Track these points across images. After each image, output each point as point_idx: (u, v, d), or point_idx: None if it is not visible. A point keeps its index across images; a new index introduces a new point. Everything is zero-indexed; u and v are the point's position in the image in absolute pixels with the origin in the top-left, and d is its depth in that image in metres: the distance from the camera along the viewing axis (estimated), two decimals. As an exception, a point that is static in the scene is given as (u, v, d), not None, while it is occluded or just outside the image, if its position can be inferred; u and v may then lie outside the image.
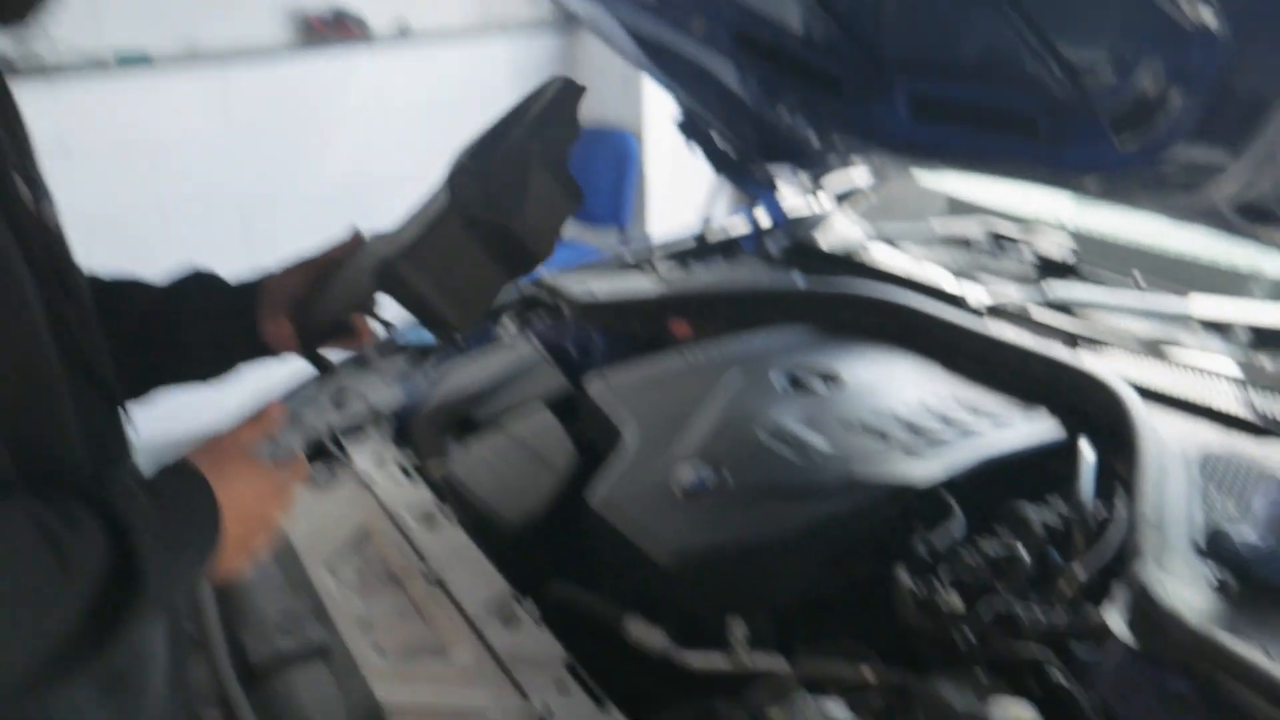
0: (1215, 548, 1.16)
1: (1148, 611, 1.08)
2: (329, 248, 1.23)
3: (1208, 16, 1.10)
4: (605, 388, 1.76)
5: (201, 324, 1.19)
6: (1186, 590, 1.12)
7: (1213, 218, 1.43)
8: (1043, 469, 1.49)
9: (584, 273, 2.36)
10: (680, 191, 4.30)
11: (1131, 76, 1.31)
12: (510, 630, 1.36)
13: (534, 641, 1.34)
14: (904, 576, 1.28)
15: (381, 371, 2.02)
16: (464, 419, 1.89)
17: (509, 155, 1.08)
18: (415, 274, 1.07)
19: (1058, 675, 1.11)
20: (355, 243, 1.22)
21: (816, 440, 1.49)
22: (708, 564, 1.32)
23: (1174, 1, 1.13)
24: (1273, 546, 1.13)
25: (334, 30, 4.53)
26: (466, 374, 1.99)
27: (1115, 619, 1.12)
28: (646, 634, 1.29)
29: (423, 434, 1.88)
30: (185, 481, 0.91)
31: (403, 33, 4.62)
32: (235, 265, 1.30)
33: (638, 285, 2.22)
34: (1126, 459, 1.39)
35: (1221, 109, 1.22)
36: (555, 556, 1.54)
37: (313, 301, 1.21)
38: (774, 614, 1.32)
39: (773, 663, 1.22)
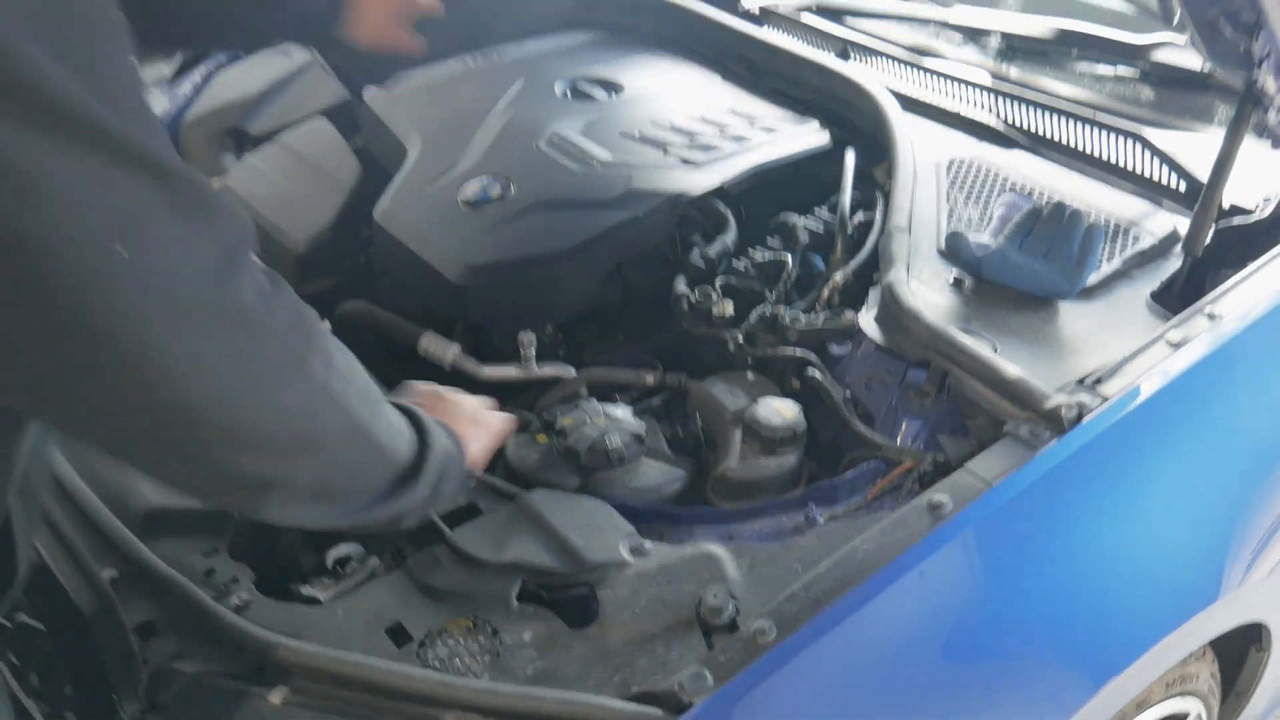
0: (952, 250, 1.29)
1: (893, 310, 1.20)
2: None
3: None
4: (386, 98, 1.71)
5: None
6: (929, 291, 1.26)
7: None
8: (812, 176, 1.57)
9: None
10: None
11: None
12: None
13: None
14: (680, 285, 1.36)
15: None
16: (236, 130, 1.80)
17: None
18: None
19: (816, 373, 1.23)
20: None
21: (598, 151, 1.52)
22: (495, 276, 1.35)
23: None
24: (1001, 247, 1.26)
25: None
26: (237, 81, 1.87)
27: (866, 319, 1.24)
28: (440, 348, 1.33)
29: (191, 143, 1.79)
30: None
31: None
32: None
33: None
34: (887, 168, 1.49)
35: None
36: (343, 274, 1.55)
37: None
38: (563, 324, 1.39)
39: (561, 370, 1.30)
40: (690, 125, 1.60)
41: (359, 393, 0.79)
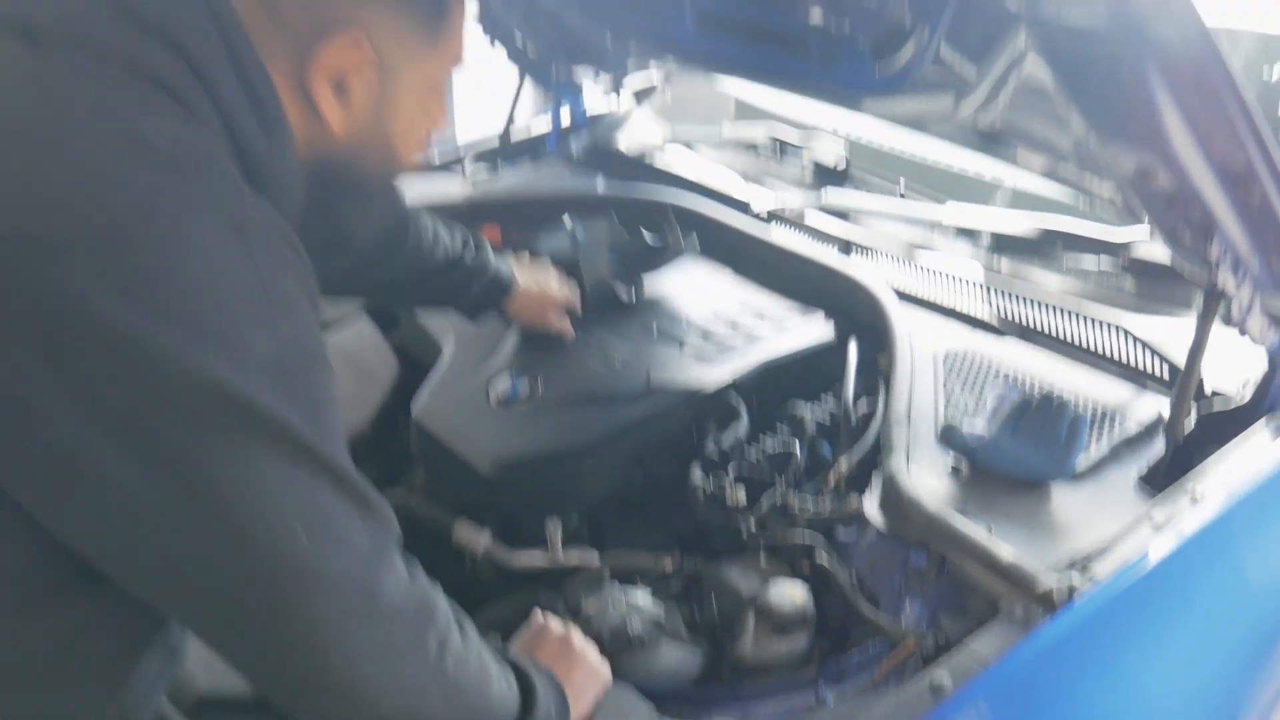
0: (948, 440, 1.38)
1: (894, 497, 1.28)
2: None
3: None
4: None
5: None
6: (928, 477, 1.34)
7: (961, 135, 1.61)
8: (819, 367, 1.69)
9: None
10: (485, 92, 4.28)
11: (883, 10, 1.47)
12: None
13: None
14: (696, 474, 1.46)
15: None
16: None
17: None
18: None
19: (824, 557, 1.31)
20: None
21: (619, 349, 1.64)
22: (524, 470, 1.46)
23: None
24: (995, 435, 1.35)
25: None
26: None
27: (870, 505, 1.32)
28: (472, 536, 1.43)
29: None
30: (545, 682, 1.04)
31: None
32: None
33: (447, 190, 2.28)
34: (888, 357, 1.60)
35: (959, 43, 1.39)
36: (382, 465, 1.66)
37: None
38: (587, 512, 1.49)
39: (586, 557, 1.38)
40: (704, 322, 1.73)
41: (471, 674, 0.92)
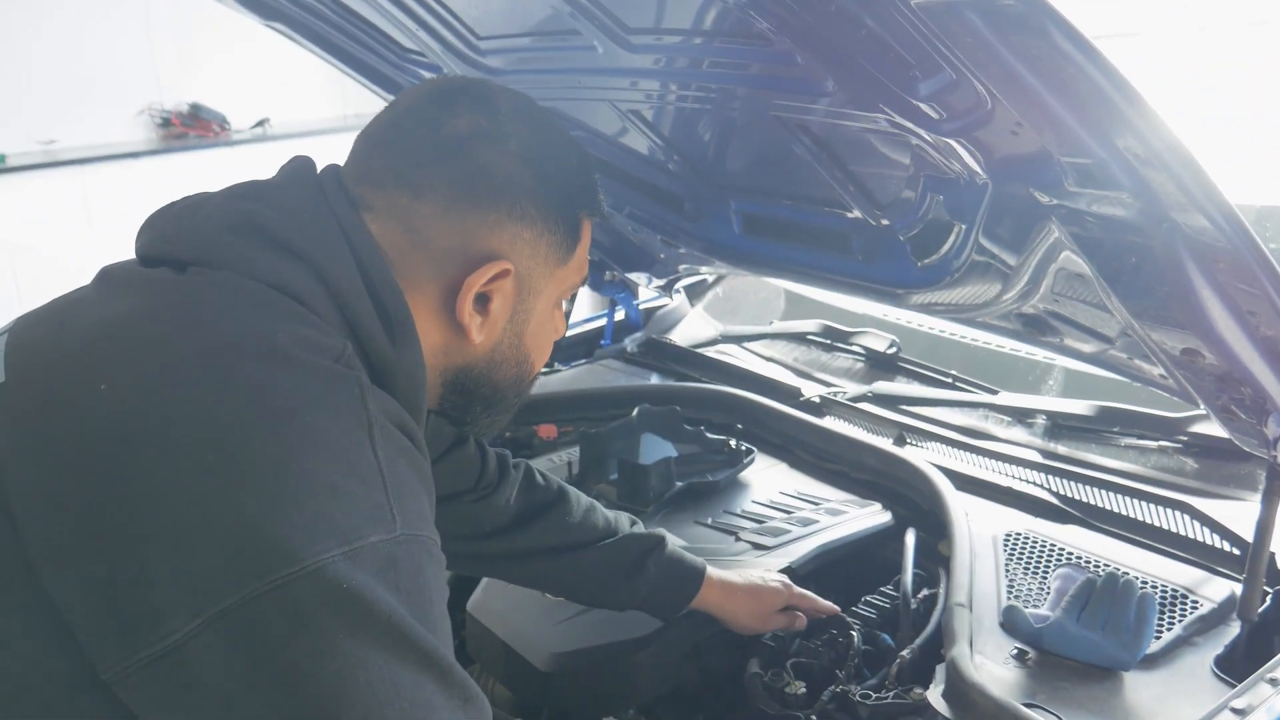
0: (1010, 624, 1.34)
1: (959, 686, 1.25)
2: None
3: (973, 164, 1.30)
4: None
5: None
6: (992, 664, 1.30)
7: (1005, 324, 1.64)
8: (878, 556, 1.67)
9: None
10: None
11: (921, 209, 1.52)
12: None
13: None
14: (754, 666, 1.43)
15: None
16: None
17: None
18: None
19: (889, 751, 1.27)
20: None
21: (673, 539, 1.64)
22: (579, 666, 1.44)
23: (944, 156, 1.33)
24: (1059, 619, 1.32)
25: (193, 127, 4.58)
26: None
27: (935, 695, 1.28)
28: (528, 738, 1.40)
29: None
30: None
31: (263, 131, 4.68)
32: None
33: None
34: (947, 544, 1.57)
35: (996, 235, 1.43)
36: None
37: None
38: (644, 707, 1.45)
39: (643, 757, 1.35)
40: (760, 511, 1.73)
41: None
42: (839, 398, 2.07)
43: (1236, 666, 1.28)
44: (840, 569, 1.63)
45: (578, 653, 1.44)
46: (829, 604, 1.50)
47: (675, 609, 1.45)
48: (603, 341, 2.64)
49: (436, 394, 1.08)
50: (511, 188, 1.01)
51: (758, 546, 1.62)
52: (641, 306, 2.66)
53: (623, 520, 1.49)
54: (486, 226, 1.00)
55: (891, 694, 1.34)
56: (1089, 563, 1.52)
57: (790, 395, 2.12)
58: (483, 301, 1.03)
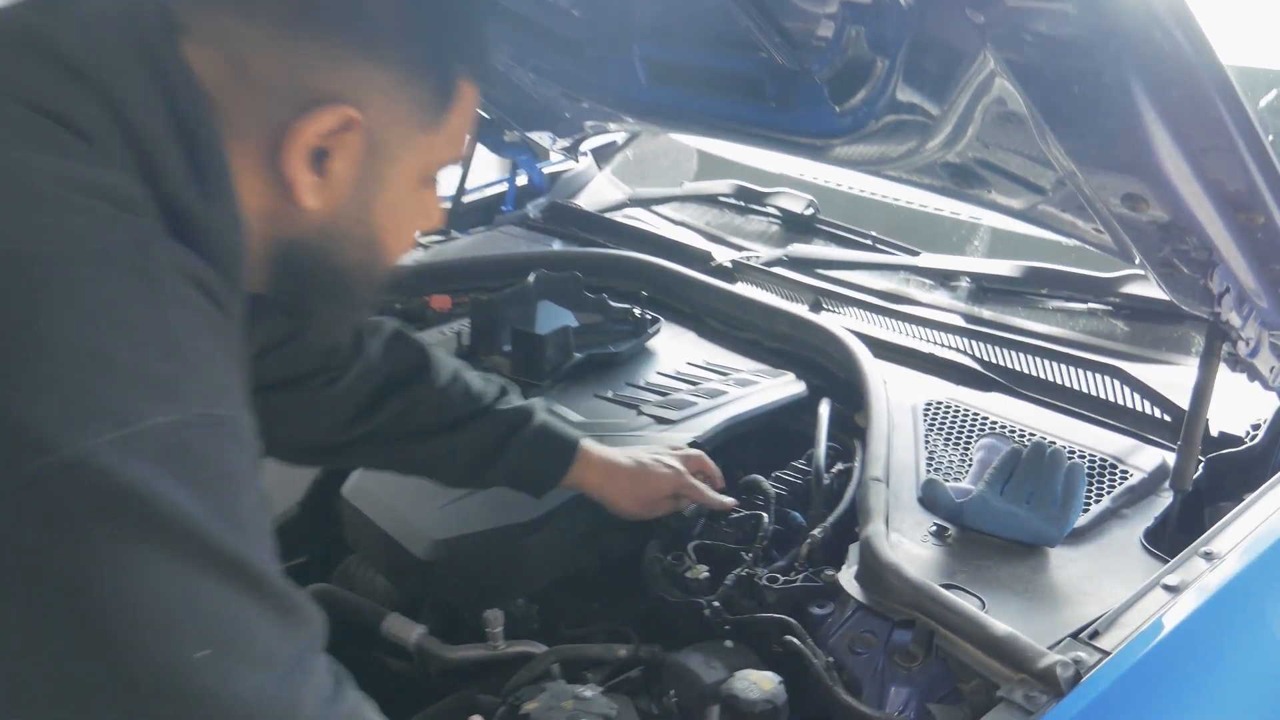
0: (930, 499, 1.24)
1: (873, 567, 1.14)
2: None
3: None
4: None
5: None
6: (911, 544, 1.20)
7: (930, 178, 1.51)
8: (790, 429, 1.55)
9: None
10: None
11: (839, 45, 1.37)
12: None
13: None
14: (653, 549, 1.31)
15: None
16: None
17: None
18: None
19: (796, 638, 1.16)
20: None
21: (569, 413, 1.51)
22: (463, 553, 1.31)
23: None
24: (981, 493, 1.22)
25: None
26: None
27: (847, 576, 1.18)
28: (404, 630, 1.28)
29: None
30: None
31: None
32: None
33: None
34: (864, 414, 1.46)
35: (919, 74, 1.29)
36: (313, 552, 1.51)
37: None
38: (537, 595, 1.34)
39: (529, 648, 1.23)
40: (665, 383, 1.60)
41: None
42: (752, 262, 1.94)
43: (1167, 540, 1.20)
44: (749, 443, 1.52)
45: (461, 539, 1.31)
46: (723, 498, 1.37)
47: (544, 486, 1.31)
48: (504, 207, 2.48)
49: (264, 273, 0.88)
50: (368, 17, 0.81)
51: (661, 420, 1.49)
52: (546, 170, 2.49)
53: (490, 390, 1.33)
54: (330, 62, 0.80)
55: (801, 576, 1.23)
56: (1014, 432, 1.43)
57: (701, 260, 1.99)
58: (322, 159, 0.82)
